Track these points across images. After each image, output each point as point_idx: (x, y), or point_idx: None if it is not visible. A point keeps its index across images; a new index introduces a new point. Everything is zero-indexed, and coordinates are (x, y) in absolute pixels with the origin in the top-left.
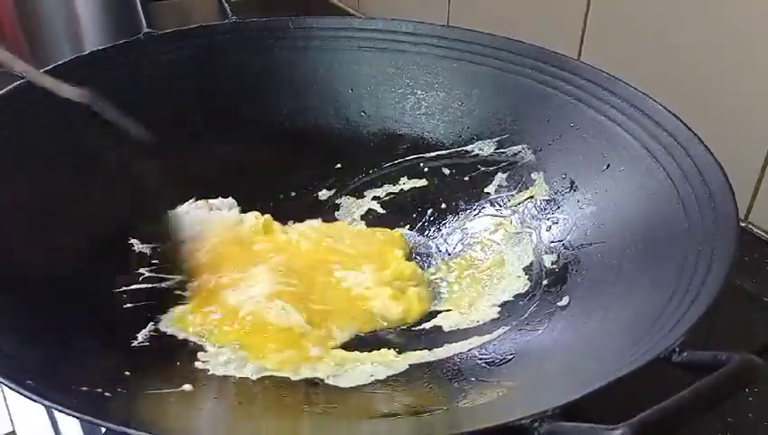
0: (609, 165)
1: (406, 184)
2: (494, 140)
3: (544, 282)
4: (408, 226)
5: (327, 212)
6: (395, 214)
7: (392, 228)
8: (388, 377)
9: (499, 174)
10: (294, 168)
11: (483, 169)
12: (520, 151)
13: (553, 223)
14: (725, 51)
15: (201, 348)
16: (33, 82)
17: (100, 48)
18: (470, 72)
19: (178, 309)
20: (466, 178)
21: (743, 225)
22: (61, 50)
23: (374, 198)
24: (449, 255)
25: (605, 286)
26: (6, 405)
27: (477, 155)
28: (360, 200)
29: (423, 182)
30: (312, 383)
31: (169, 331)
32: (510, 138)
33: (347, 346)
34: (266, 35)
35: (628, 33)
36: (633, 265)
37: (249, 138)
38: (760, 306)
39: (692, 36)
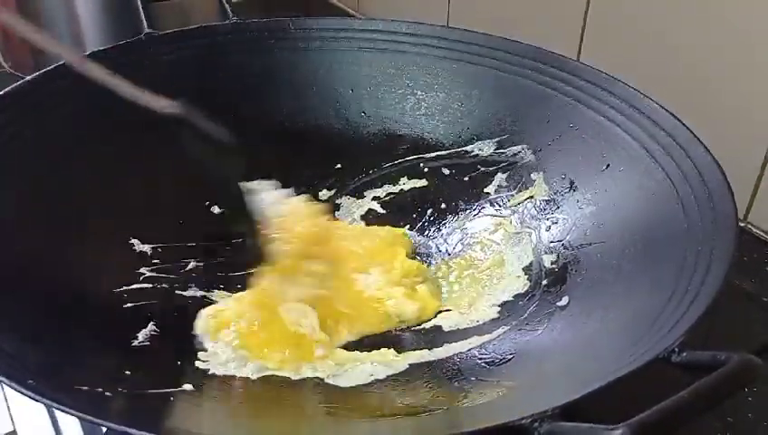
0: (608, 165)
1: (406, 184)
2: (493, 140)
3: (544, 282)
4: (407, 226)
5: (327, 212)
6: (395, 214)
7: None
8: (388, 377)
9: (499, 174)
10: (294, 168)
11: (483, 169)
12: (520, 152)
13: (553, 223)
14: (725, 51)
15: (201, 347)
16: (116, 92)
17: (101, 48)
18: (470, 72)
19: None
20: (466, 179)
21: (742, 225)
22: None
23: (374, 199)
24: (449, 255)
25: (605, 286)
26: (7, 405)
27: (477, 155)
28: (360, 200)
29: (423, 182)
30: (313, 383)
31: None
32: (510, 138)
33: (346, 346)
34: (267, 36)
35: (627, 34)
36: (632, 265)
37: (249, 138)
38: (759, 306)
39: (691, 36)
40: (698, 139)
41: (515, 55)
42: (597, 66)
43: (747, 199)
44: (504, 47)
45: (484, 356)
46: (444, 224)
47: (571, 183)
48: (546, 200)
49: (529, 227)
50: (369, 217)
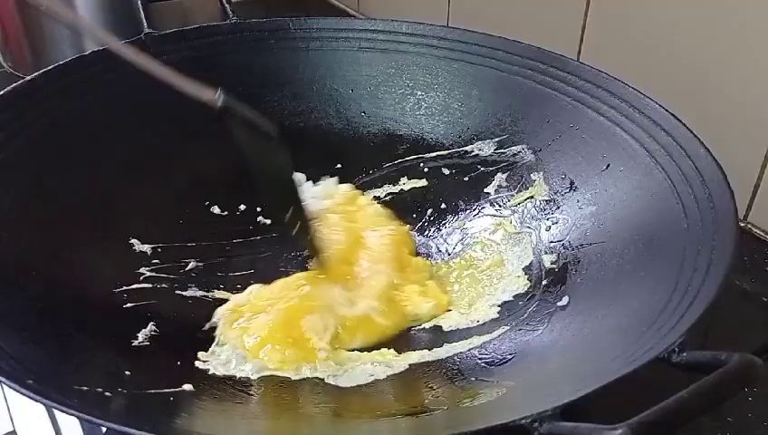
0: (608, 165)
1: (406, 184)
2: (493, 140)
3: (544, 282)
4: (408, 226)
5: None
6: (395, 214)
7: None
8: (388, 377)
9: (499, 174)
10: (294, 168)
11: (483, 169)
12: (520, 152)
13: (553, 223)
14: (725, 51)
15: (202, 347)
16: (157, 78)
17: (101, 48)
18: (470, 72)
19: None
20: (466, 179)
21: (742, 225)
22: (62, 50)
23: (374, 198)
24: (449, 255)
25: (605, 286)
26: (7, 405)
27: (477, 155)
28: None
29: (423, 182)
30: (313, 383)
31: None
32: (510, 138)
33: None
34: (266, 36)
35: (627, 34)
36: (632, 266)
37: None
38: (759, 306)
39: (691, 36)
40: (698, 139)
41: (515, 55)
42: (597, 66)
43: (747, 199)
44: (504, 47)
45: (484, 356)
46: (444, 224)
47: (571, 183)
48: (546, 200)
49: (529, 227)
50: None
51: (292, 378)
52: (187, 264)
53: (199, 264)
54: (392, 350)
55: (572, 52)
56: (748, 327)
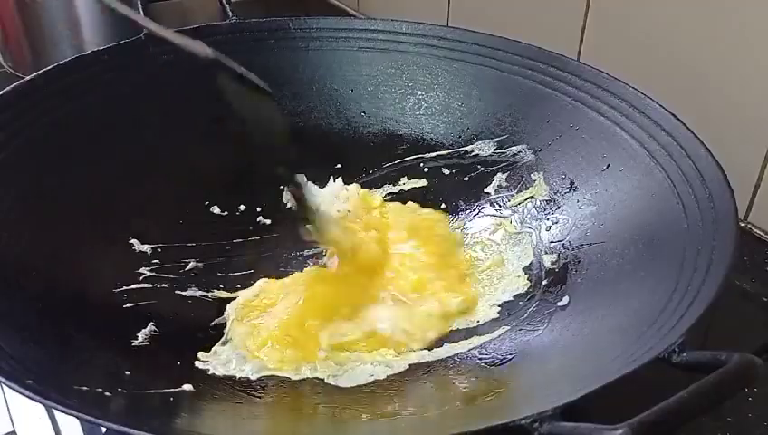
0: (608, 165)
1: (406, 184)
2: (494, 140)
3: (544, 282)
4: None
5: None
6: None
7: None
8: (388, 377)
9: (499, 174)
10: (294, 168)
11: (483, 169)
12: (520, 152)
13: (553, 223)
14: (725, 51)
15: (202, 347)
16: (155, 35)
17: (101, 48)
18: (470, 72)
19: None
20: (466, 179)
21: (742, 225)
22: (62, 50)
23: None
24: None
25: (605, 286)
26: (7, 405)
27: (477, 155)
28: None
29: (423, 182)
30: (313, 383)
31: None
32: (510, 138)
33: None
34: (266, 36)
35: (627, 34)
36: (633, 265)
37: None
38: (759, 306)
39: (691, 36)
40: (698, 139)
41: (515, 55)
42: (597, 66)
43: (747, 199)
44: (504, 47)
45: (484, 356)
46: None
47: (572, 183)
48: (546, 200)
49: (529, 227)
50: None
51: (292, 378)
52: (187, 264)
53: (199, 264)
54: (392, 350)
55: (572, 52)
56: (748, 327)
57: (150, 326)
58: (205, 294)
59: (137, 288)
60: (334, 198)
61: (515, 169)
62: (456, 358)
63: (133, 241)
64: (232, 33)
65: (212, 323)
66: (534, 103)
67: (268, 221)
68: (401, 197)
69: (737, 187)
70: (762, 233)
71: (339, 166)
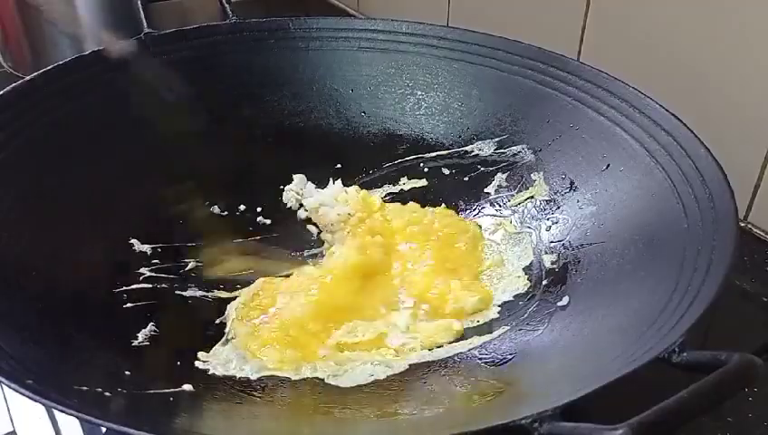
0: (608, 165)
1: (406, 184)
2: (494, 140)
3: (544, 282)
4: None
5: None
6: None
7: None
8: (388, 377)
9: (499, 174)
10: (294, 168)
11: (483, 169)
12: (520, 151)
13: (553, 223)
14: (725, 51)
15: (202, 347)
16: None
17: (101, 48)
18: (470, 72)
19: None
20: (466, 179)
21: (742, 225)
22: (62, 50)
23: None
24: None
25: (605, 286)
26: (6, 405)
27: (477, 155)
28: None
29: (423, 182)
30: (313, 383)
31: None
32: (510, 138)
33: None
34: (266, 36)
35: (627, 34)
36: (633, 265)
37: (249, 138)
38: (759, 306)
39: (691, 36)
40: (699, 139)
41: (515, 55)
42: (597, 66)
43: (747, 199)
44: (504, 47)
45: (485, 356)
46: None
47: (572, 183)
48: (546, 200)
49: (529, 227)
50: None
51: (292, 378)
52: (187, 264)
53: (199, 264)
54: (392, 350)
55: (572, 52)
56: (748, 327)
57: (150, 326)
58: (205, 294)
59: (137, 288)
60: (334, 201)
61: (515, 169)
62: (455, 358)
63: (133, 241)
64: (232, 33)
65: (212, 323)
66: (534, 103)
67: (268, 221)
68: (401, 197)
69: (737, 187)
70: (762, 233)
71: (339, 166)
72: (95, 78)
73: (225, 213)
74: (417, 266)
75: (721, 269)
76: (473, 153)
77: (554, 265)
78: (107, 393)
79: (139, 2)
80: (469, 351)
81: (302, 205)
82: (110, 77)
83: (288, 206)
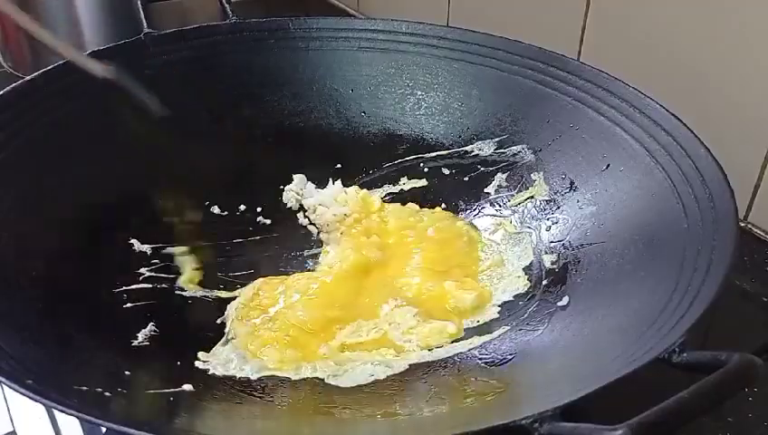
0: (608, 165)
1: (406, 184)
2: (494, 140)
3: (544, 282)
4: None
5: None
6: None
7: None
8: (388, 377)
9: (499, 174)
10: (294, 168)
11: (483, 169)
12: (520, 152)
13: (553, 223)
14: (725, 51)
15: (202, 347)
16: (62, 55)
17: (101, 48)
18: (470, 72)
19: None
20: (466, 179)
21: (742, 225)
22: None
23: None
24: None
25: (605, 286)
26: (7, 405)
27: (477, 155)
28: None
29: (423, 182)
30: (313, 383)
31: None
32: (510, 138)
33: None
34: (266, 36)
35: (627, 34)
36: (633, 265)
37: (249, 138)
38: (759, 306)
39: (691, 36)
40: (699, 138)
41: (515, 55)
42: (597, 66)
43: (747, 199)
44: (504, 47)
45: (484, 356)
46: None
47: (572, 183)
48: (546, 200)
49: (529, 227)
50: None
51: (292, 378)
52: None
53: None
54: (392, 350)
55: (572, 52)
56: (748, 327)
57: (150, 326)
58: (205, 294)
59: (137, 288)
60: (333, 201)
61: (515, 169)
62: (455, 358)
63: (133, 241)
64: (232, 33)
65: (212, 323)
66: (534, 103)
67: (268, 221)
68: (401, 197)
69: (737, 187)
70: (762, 233)
71: (339, 166)
72: (95, 78)
73: (225, 213)
74: (413, 267)
75: (721, 269)
76: (473, 153)
77: (554, 265)
78: (107, 393)
79: (138, 2)
80: (469, 351)
81: (301, 205)
82: None
83: (288, 206)
